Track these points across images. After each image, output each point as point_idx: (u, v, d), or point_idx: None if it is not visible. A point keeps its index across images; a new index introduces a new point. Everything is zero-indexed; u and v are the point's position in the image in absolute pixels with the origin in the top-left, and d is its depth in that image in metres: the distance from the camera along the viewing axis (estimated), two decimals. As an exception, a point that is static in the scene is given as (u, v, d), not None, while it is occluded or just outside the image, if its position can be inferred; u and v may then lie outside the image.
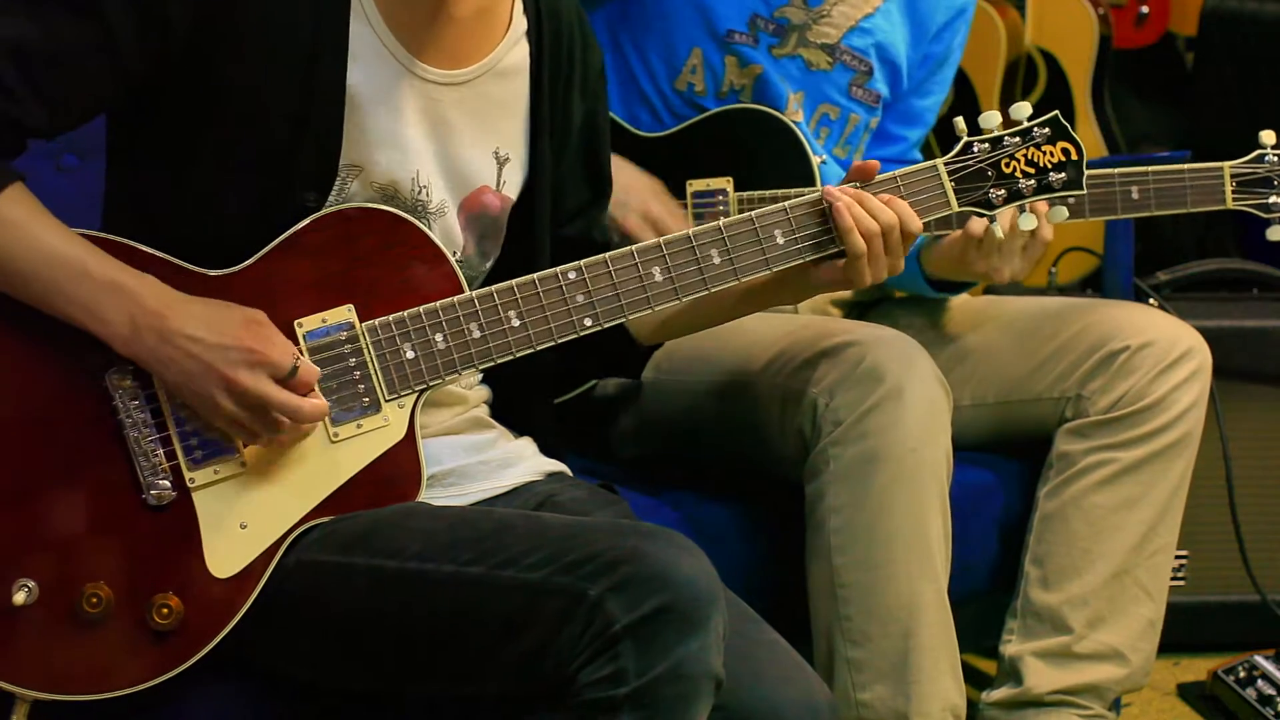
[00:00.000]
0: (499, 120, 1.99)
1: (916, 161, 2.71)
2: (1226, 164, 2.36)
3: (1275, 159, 2.34)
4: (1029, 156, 2.03)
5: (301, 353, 1.82)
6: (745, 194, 2.52)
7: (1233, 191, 2.36)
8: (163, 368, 1.76)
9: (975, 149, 2.02)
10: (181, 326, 1.74)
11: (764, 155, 2.53)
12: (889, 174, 2.00)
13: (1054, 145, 2.04)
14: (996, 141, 2.02)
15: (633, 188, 2.47)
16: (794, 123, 2.53)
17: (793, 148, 2.53)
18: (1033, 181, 2.03)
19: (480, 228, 2.00)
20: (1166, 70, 4.30)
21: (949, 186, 2.01)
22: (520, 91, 2.00)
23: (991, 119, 2.02)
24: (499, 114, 1.99)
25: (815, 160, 2.53)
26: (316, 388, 1.81)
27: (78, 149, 2.38)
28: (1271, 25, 3.82)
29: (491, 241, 2.02)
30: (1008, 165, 2.03)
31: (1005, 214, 2.06)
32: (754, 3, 2.53)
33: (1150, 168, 2.38)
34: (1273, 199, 2.35)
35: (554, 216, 2.07)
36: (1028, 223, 2.06)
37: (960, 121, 2.03)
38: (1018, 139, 2.03)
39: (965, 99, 3.89)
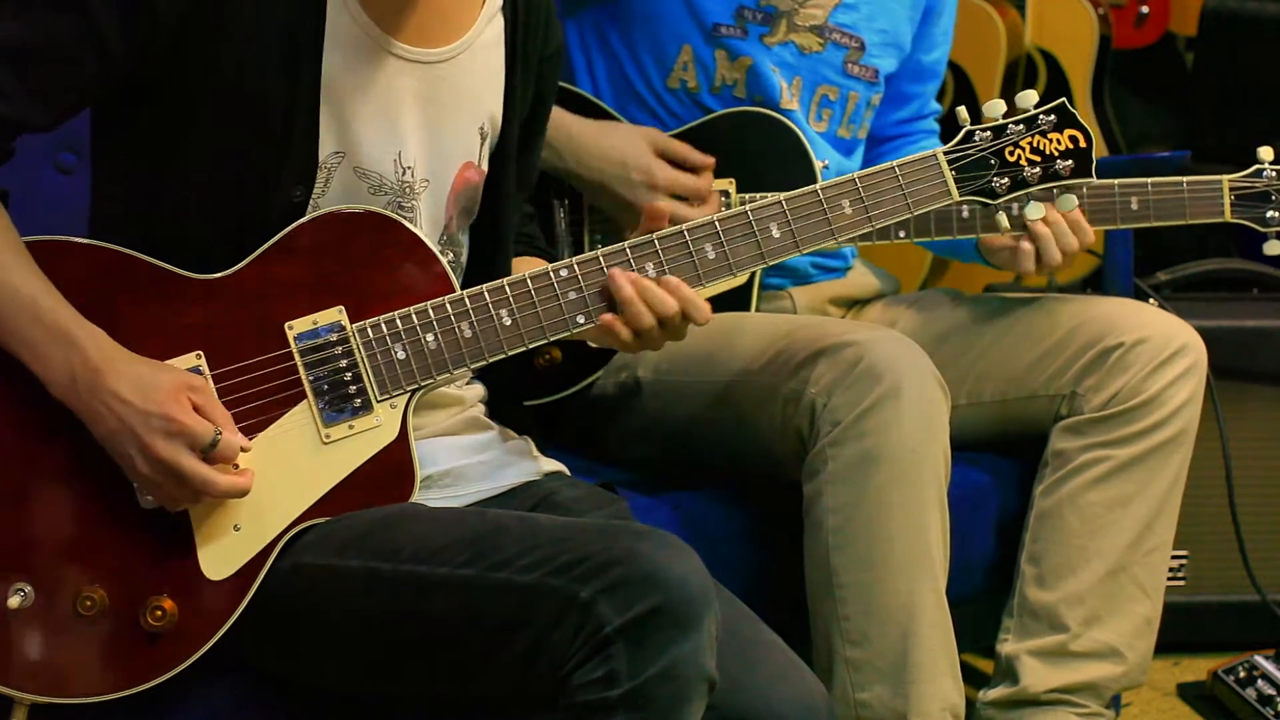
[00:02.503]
0: (483, 95, 2.00)
1: (935, 112, 2.74)
2: (1225, 177, 2.39)
3: (1273, 174, 2.38)
4: (1034, 144, 2.01)
5: (297, 360, 1.82)
6: (748, 196, 2.52)
7: (1231, 205, 2.39)
8: (91, 421, 1.76)
9: (977, 137, 2.01)
10: (113, 386, 1.74)
11: (767, 158, 2.53)
12: (886, 165, 1.99)
13: (1060, 133, 2.02)
14: (999, 130, 2.01)
15: (627, 155, 2.47)
16: (797, 124, 2.53)
17: (795, 151, 2.53)
18: (1038, 170, 2.02)
19: (465, 202, 2.01)
20: (1166, 70, 4.30)
21: (949, 175, 2.00)
22: (498, 64, 2.01)
23: (996, 108, 2.01)
24: (483, 89, 1.99)
25: (818, 164, 2.53)
26: (311, 402, 1.82)
27: (76, 147, 2.38)
28: (1271, 25, 3.82)
29: (468, 213, 2.03)
30: (1011, 153, 2.01)
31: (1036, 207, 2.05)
32: None
33: (1150, 179, 2.40)
34: (1270, 213, 2.39)
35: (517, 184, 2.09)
36: (1034, 212, 2.06)
37: (963, 110, 2.01)
38: (1022, 126, 2.01)
39: (965, 99, 3.89)
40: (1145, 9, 4.22)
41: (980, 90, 3.89)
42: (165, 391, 1.74)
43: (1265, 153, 2.38)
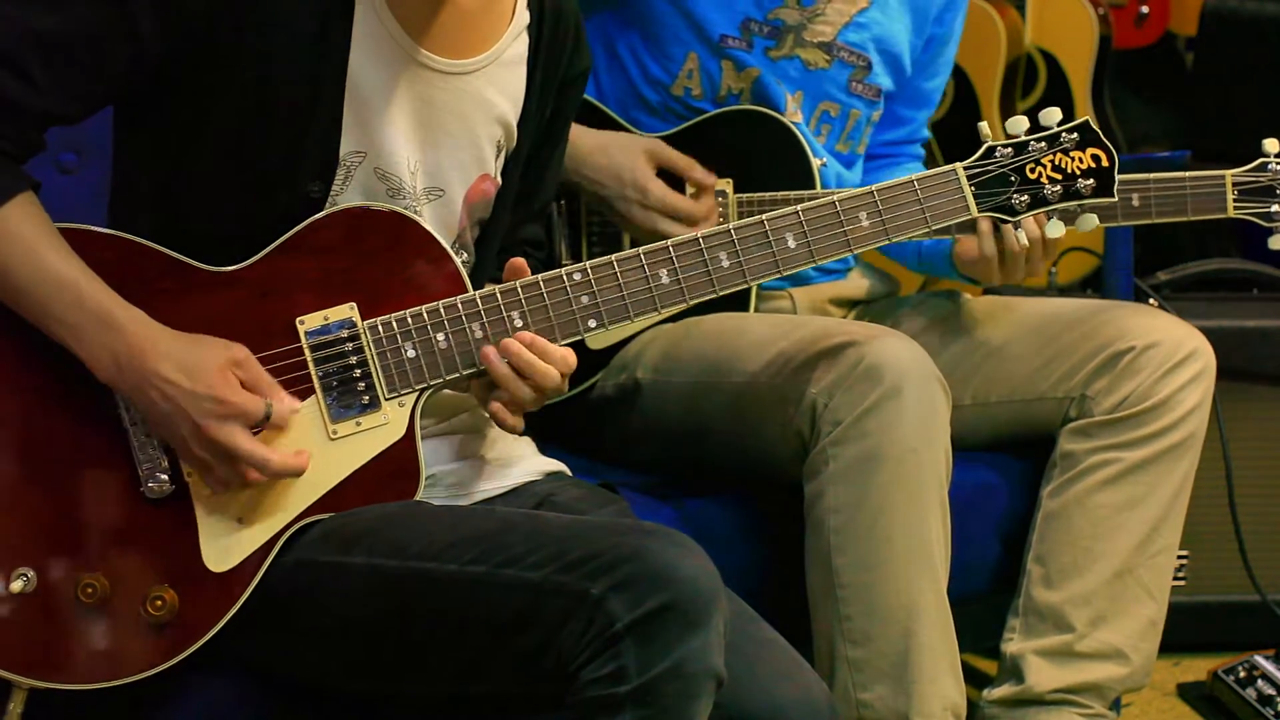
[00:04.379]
0: (502, 109, 2.00)
1: (925, 139, 2.74)
2: (1228, 172, 2.36)
3: (1277, 168, 2.34)
4: (1056, 162, 2.02)
5: (308, 355, 1.82)
6: (745, 195, 2.52)
7: (1234, 200, 2.36)
8: (140, 404, 1.77)
9: (998, 153, 2.01)
10: (158, 368, 1.75)
11: (764, 157, 2.53)
12: (905, 178, 1.99)
13: (1083, 151, 2.03)
14: (1021, 147, 2.02)
15: (623, 171, 2.46)
16: (794, 124, 2.53)
17: (793, 149, 2.53)
18: (1059, 188, 2.02)
19: (479, 212, 2.02)
20: (1166, 70, 4.30)
21: (968, 191, 2.00)
22: (519, 81, 2.01)
23: (1019, 124, 2.02)
24: (503, 103, 2.00)
25: (815, 162, 2.53)
26: (320, 398, 1.82)
27: (76, 147, 2.38)
28: (1271, 25, 3.82)
29: (481, 222, 2.04)
30: (1033, 170, 2.02)
31: (1026, 222, 2.05)
32: (746, 6, 2.53)
33: (1152, 175, 2.38)
34: (1274, 207, 2.35)
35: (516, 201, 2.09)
36: (1055, 230, 2.05)
37: (984, 126, 2.02)
38: (1044, 144, 2.02)
39: (965, 99, 3.88)
40: (1145, 9, 4.21)
41: (980, 91, 3.89)
42: (212, 371, 1.76)
43: (1270, 145, 2.34)
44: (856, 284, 2.72)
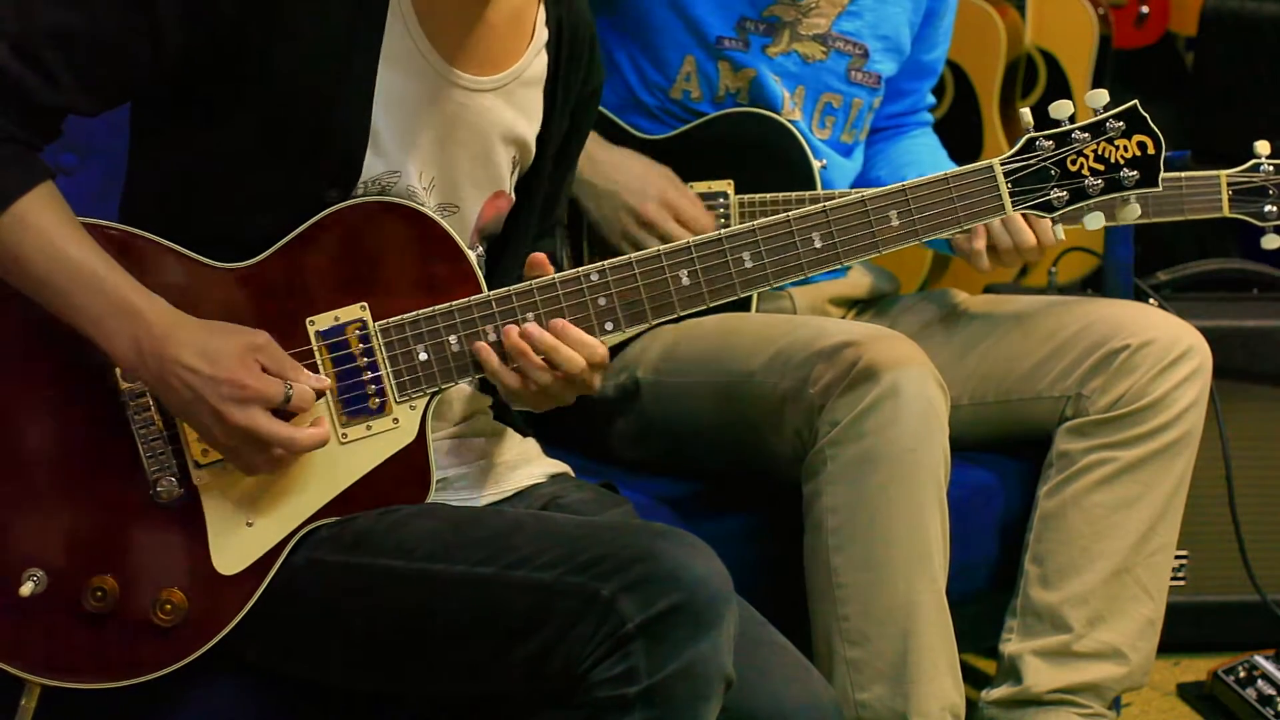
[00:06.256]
0: (521, 126, 1.99)
1: (930, 104, 2.74)
2: (1223, 173, 2.38)
3: (1270, 169, 2.38)
4: (1099, 152, 1.93)
5: (318, 357, 1.82)
6: (746, 197, 2.52)
7: (1229, 200, 2.39)
8: (162, 393, 1.77)
9: (1038, 146, 1.94)
10: (179, 355, 1.74)
11: (765, 158, 2.53)
12: (938, 175, 1.95)
13: (1129, 139, 1.93)
14: (1063, 138, 1.93)
15: (648, 176, 2.47)
16: (794, 125, 2.53)
17: (793, 150, 2.53)
18: (1100, 181, 1.93)
19: (491, 229, 2.01)
20: (1166, 70, 4.29)
21: (1004, 189, 1.93)
22: (537, 100, 2.01)
23: (1062, 109, 1.93)
24: (521, 120, 1.99)
25: (816, 164, 2.53)
26: (330, 401, 1.82)
27: (76, 148, 2.38)
28: (1271, 25, 3.82)
29: (491, 238, 2.03)
30: (1074, 162, 1.93)
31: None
32: (741, 6, 2.53)
33: None
34: (1268, 207, 2.38)
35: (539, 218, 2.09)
36: (1094, 222, 2.01)
37: (1027, 113, 1.94)
38: (1088, 134, 1.93)
39: (965, 99, 3.88)
40: (1145, 9, 4.21)
41: (980, 91, 3.89)
42: (231, 356, 1.74)
43: (1262, 147, 2.38)
44: (856, 283, 2.72)
